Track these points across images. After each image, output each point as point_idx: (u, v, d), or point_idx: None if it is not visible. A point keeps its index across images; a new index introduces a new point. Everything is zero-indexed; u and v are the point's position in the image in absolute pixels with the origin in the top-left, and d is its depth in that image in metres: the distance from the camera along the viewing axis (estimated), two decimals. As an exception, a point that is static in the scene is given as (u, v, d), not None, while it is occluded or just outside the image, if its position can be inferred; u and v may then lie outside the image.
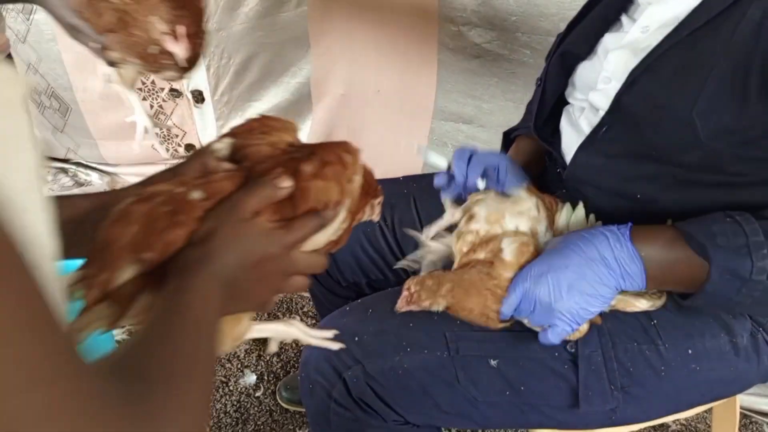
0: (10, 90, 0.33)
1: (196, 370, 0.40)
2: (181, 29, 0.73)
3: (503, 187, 0.83)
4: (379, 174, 1.17)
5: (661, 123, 0.70)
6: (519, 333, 0.76)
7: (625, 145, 0.75)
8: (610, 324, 0.76)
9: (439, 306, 0.72)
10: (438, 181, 0.86)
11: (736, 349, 0.77)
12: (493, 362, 0.76)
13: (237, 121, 1.71)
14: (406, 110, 1.48)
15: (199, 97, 1.70)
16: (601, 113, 0.77)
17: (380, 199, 0.64)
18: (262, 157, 0.54)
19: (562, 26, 0.93)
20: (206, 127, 1.77)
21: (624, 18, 0.83)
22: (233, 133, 0.58)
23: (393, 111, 1.49)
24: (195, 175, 0.53)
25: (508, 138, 1.02)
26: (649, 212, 0.74)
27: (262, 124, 0.58)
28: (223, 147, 0.56)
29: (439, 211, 0.86)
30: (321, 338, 0.64)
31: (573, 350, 0.75)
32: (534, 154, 0.96)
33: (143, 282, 0.48)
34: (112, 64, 0.79)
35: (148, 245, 0.47)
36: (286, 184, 0.52)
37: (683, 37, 0.68)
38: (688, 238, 0.67)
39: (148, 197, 0.49)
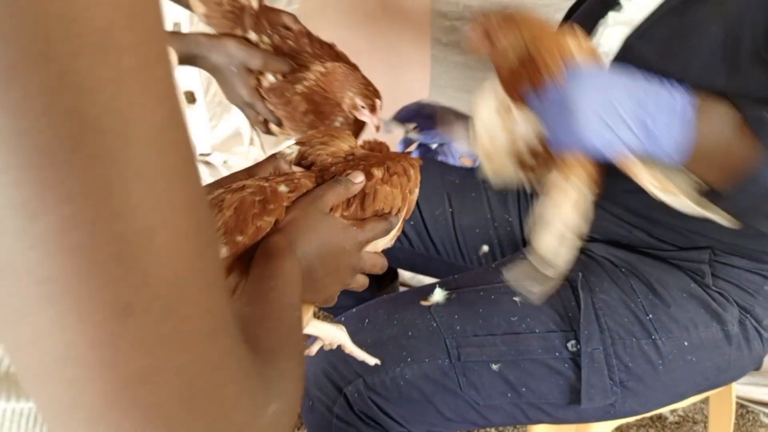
0: None
1: (298, 348, 0.42)
2: (378, 102, 0.78)
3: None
4: None
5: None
6: (519, 335, 0.76)
7: None
8: (609, 320, 0.77)
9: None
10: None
11: (729, 337, 0.78)
12: (494, 366, 0.76)
13: (230, 120, 1.70)
14: (400, 106, 1.48)
15: (190, 97, 1.69)
16: None
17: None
18: (329, 164, 0.59)
19: (558, 17, 0.93)
20: (199, 127, 1.76)
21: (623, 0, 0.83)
22: (298, 143, 0.63)
23: (386, 107, 1.49)
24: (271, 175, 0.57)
25: None
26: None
27: (322, 134, 0.63)
28: (293, 152, 0.61)
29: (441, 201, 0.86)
30: (364, 354, 0.65)
31: (574, 349, 0.76)
32: None
33: (232, 264, 0.51)
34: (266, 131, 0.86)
35: (241, 230, 0.50)
36: (359, 179, 0.57)
37: (676, 4, 0.69)
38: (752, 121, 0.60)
39: (240, 188, 0.53)
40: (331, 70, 0.79)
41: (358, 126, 0.84)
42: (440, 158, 0.98)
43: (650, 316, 0.77)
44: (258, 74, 0.80)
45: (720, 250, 0.79)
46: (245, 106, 0.83)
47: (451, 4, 1.30)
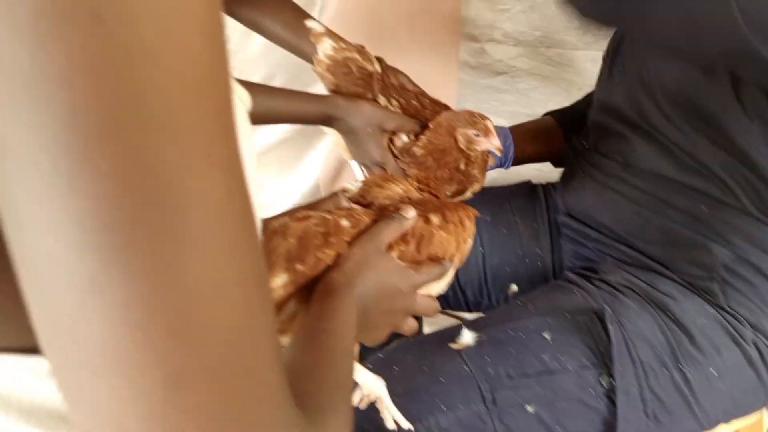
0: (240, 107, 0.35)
1: (348, 394, 0.43)
2: (489, 123, 0.79)
3: None
4: None
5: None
6: (553, 374, 0.73)
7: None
8: (641, 352, 0.75)
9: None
10: None
11: (749, 359, 0.77)
12: (529, 408, 0.73)
13: (256, 138, 1.69)
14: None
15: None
16: None
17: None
18: (386, 204, 0.61)
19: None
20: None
21: None
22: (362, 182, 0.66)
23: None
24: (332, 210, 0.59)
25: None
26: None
27: (380, 178, 0.66)
28: (353, 188, 0.64)
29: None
30: (399, 416, 0.64)
31: (608, 385, 0.73)
32: (546, 133, 1.03)
33: (291, 292, 0.52)
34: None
35: (302, 258, 0.51)
36: (411, 213, 0.57)
37: None
38: None
39: (304, 217, 0.54)
40: (435, 122, 0.83)
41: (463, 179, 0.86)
42: None
43: (676, 345, 0.76)
44: (390, 134, 0.85)
45: (733, 255, 0.78)
46: (373, 164, 0.87)
47: (481, 27, 1.27)
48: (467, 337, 0.77)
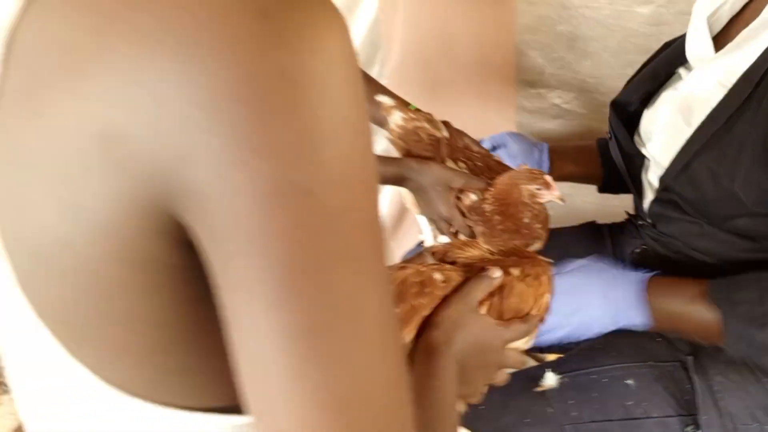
0: None
1: None
2: (548, 177, 0.83)
3: (513, 160, 1.02)
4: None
5: (707, 199, 0.77)
6: (637, 420, 0.78)
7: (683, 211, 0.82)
8: (729, 404, 0.77)
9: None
10: None
11: None
12: None
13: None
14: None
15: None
16: (659, 171, 0.85)
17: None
18: (470, 263, 0.65)
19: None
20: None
21: (681, 70, 0.89)
22: (443, 245, 0.71)
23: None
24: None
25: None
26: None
27: (459, 243, 0.71)
28: (440, 246, 0.69)
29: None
30: None
31: None
32: (585, 154, 1.09)
33: None
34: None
35: (397, 304, 0.55)
36: (498, 273, 0.62)
37: (721, 124, 0.74)
38: (710, 300, 0.72)
39: (402, 267, 0.60)
40: (499, 180, 0.87)
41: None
42: None
43: None
44: (458, 193, 0.91)
45: None
46: (440, 220, 0.94)
47: (537, 73, 1.35)
48: (550, 379, 0.83)
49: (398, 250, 1.41)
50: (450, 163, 0.96)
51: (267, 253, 0.29)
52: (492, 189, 0.87)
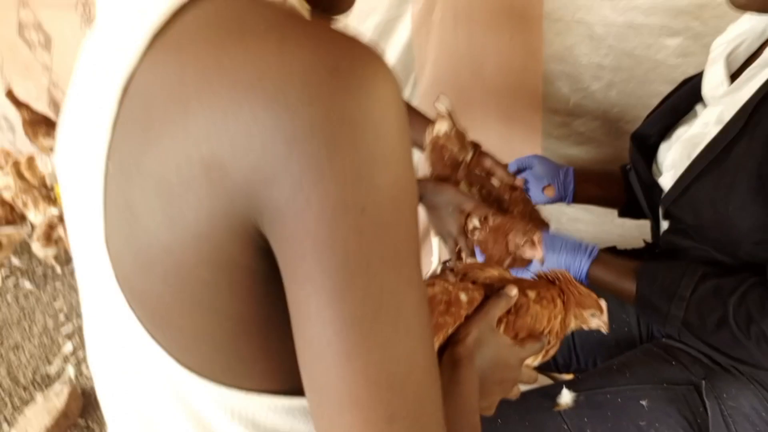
0: None
1: None
2: (537, 236, 0.89)
3: (539, 181, 1.08)
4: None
5: (706, 224, 0.81)
6: None
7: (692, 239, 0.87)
8: (741, 428, 0.79)
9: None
10: None
11: None
12: None
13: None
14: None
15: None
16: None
17: (592, 311, 0.73)
18: (490, 283, 0.69)
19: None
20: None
21: (698, 107, 0.93)
22: (462, 265, 0.75)
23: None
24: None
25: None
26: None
27: (477, 264, 0.75)
28: (460, 269, 0.73)
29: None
30: None
31: None
32: (608, 179, 1.13)
33: None
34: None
35: None
36: (514, 292, 0.67)
37: (718, 153, 0.79)
38: (636, 276, 0.85)
39: (431, 284, 0.65)
40: (499, 222, 0.92)
41: None
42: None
43: None
44: (467, 215, 0.97)
45: None
46: (449, 238, 1.01)
47: (562, 102, 1.38)
48: (566, 397, 0.85)
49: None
50: (463, 186, 1.03)
51: (330, 255, 0.36)
52: (491, 224, 0.92)
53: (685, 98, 0.96)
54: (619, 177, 1.14)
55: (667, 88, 1.07)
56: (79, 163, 0.45)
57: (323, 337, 0.37)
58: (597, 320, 0.73)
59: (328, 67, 0.35)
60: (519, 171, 1.13)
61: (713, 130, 0.81)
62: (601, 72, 1.32)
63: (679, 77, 1.06)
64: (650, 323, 0.95)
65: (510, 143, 1.51)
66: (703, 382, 0.82)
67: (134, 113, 0.39)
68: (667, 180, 0.90)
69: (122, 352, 0.48)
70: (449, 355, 0.60)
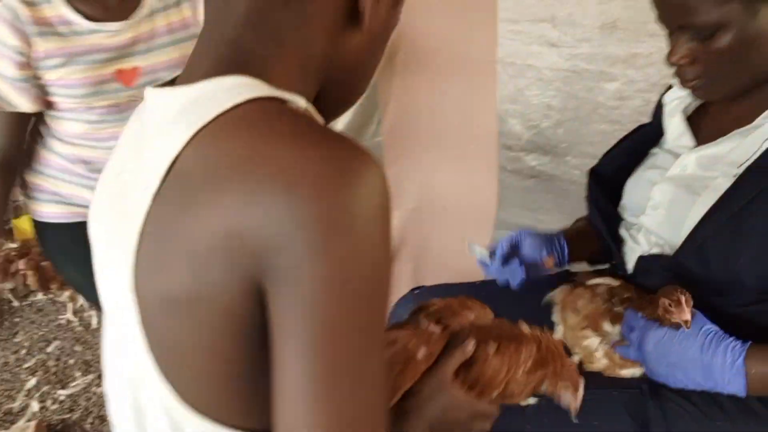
0: None
1: None
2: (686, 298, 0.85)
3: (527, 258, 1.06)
4: (445, 278, 1.34)
5: (714, 278, 0.87)
6: None
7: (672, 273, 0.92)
8: (682, 428, 0.88)
9: None
10: (480, 261, 1.11)
11: None
12: None
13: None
14: (470, 221, 1.68)
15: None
16: (653, 237, 0.96)
17: (566, 384, 0.74)
18: (456, 330, 0.72)
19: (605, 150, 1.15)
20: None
21: (656, 150, 1.04)
22: (438, 305, 0.76)
23: (458, 223, 1.69)
24: (413, 329, 0.73)
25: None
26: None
27: (456, 303, 0.76)
28: (434, 310, 0.75)
29: (519, 311, 1.02)
30: None
31: None
32: (582, 235, 1.14)
33: None
34: None
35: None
36: (470, 347, 0.70)
37: (728, 217, 0.86)
38: None
39: (392, 342, 0.67)
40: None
41: None
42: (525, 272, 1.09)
43: None
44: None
45: None
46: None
47: (515, 138, 1.52)
48: (530, 399, 0.94)
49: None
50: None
51: (313, 319, 0.43)
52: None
53: (640, 143, 1.07)
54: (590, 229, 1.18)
55: (608, 127, 1.21)
56: (117, 221, 0.54)
57: (296, 385, 0.44)
58: (569, 396, 0.74)
59: (336, 168, 0.43)
60: (512, 249, 1.11)
61: (718, 184, 0.88)
62: (550, 111, 1.46)
63: (618, 118, 1.21)
64: None
65: (469, 177, 1.63)
66: (645, 385, 0.92)
67: (175, 187, 0.47)
68: (651, 221, 0.97)
69: (135, 384, 0.55)
70: (399, 407, 0.65)
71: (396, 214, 1.79)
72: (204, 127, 0.47)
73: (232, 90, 0.48)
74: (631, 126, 1.16)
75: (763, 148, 0.86)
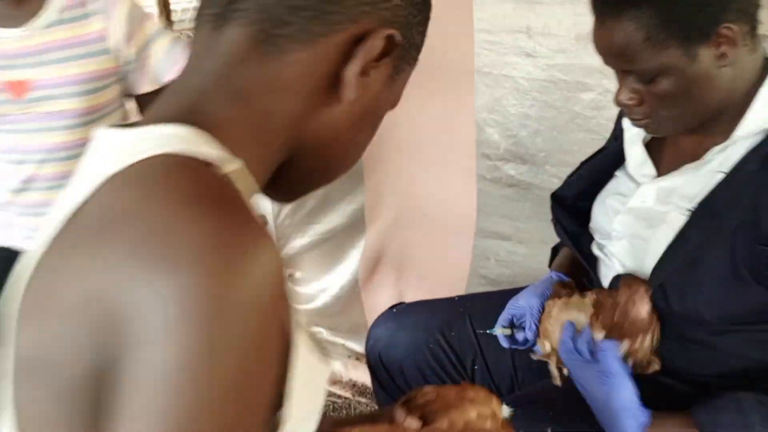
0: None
1: None
2: None
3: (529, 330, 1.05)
4: (425, 292, 1.34)
5: (675, 311, 0.89)
6: None
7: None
8: None
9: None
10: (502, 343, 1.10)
11: None
12: None
13: (298, 240, 1.92)
14: (451, 231, 1.68)
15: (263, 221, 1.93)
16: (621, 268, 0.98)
17: None
18: (446, 428, 0.68)
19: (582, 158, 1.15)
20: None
21: (619, 173, 1.04)
22: (429, 396, 0.72)
23: (439, 231, 1.70)
24: (388, 424, 0.70)
25: (556, 252, 1.21)
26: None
27: (455, 394, 0.72)
28: (422, 402, 0.71)
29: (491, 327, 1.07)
30: None
31: None
32: (573, 262, 1.14)
33: None
34: None
35: None
36: None
37: (683, 258, 0.87)
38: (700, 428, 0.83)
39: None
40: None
41: None
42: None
43: None
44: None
45: None
46: None
47: (493, 147, 1.53)
48: (505, 411, 0.95)
49: (370, 301, 1.53)
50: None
51: (154, 411, 0.38)
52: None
53: (600, 168, 1.08)
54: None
55: (585, 136, 1.22)
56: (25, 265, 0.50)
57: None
58: None
59: (219, 244, 0.39)
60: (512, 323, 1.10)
61: (672, 218, 0.90)
62: (527, 121, 1.47)
63: (594, 127, 1.22)
64: None
65: (448, 186, 1.64)
66: None
67: (69, 234, 0.43)
68: (617, 249, 0.98)
69: None
70: None
71: (376, 224, 1.79)
72: (117, 174, 0.43)
73: (161, 139, 0.45)
74: (607, 135, 1.17)
75: (713, 184, 0.87)
